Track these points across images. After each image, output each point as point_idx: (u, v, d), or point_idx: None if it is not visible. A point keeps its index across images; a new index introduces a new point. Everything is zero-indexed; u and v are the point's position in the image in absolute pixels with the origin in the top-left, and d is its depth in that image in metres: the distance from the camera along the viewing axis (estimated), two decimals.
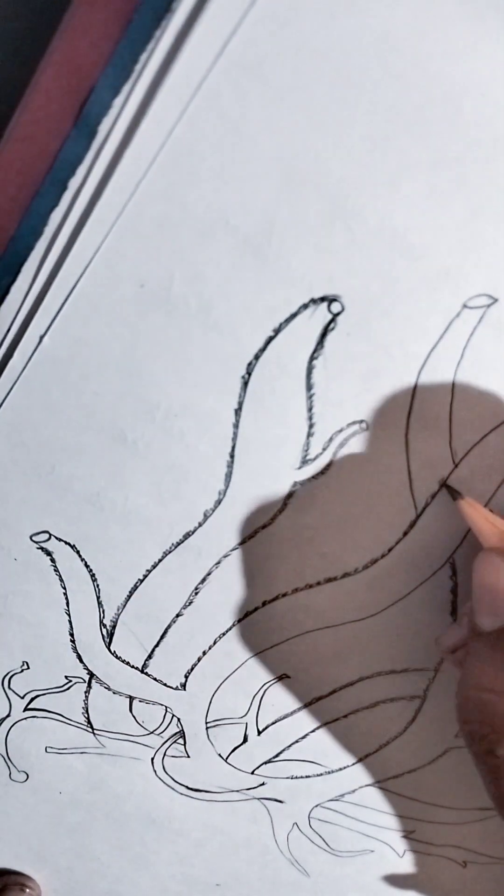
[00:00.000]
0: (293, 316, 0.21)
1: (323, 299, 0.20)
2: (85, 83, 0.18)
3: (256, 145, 0.18)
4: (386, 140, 0.19)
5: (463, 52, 0.18)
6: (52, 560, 0.26)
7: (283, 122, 0.18)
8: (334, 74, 0.18)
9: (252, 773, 0.31)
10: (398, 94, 0.18)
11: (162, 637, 0.27)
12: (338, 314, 0.21)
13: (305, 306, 0.20)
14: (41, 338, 0.21)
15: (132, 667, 0.28)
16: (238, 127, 0.18)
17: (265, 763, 0.31)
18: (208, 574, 0.26)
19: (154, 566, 0.25)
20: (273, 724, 0.30)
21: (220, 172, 0.19)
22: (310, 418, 0.22)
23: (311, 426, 0.23)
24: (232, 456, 0.23)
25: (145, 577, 0.26)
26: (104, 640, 0.27)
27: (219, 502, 0.24)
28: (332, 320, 0.21)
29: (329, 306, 0.20)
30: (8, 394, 0.22)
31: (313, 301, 0.20)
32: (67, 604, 0.26)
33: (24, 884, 0.33)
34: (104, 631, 0.27)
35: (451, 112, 0.19)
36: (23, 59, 0.20)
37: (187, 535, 0.25)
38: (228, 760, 0.30)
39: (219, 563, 0.25)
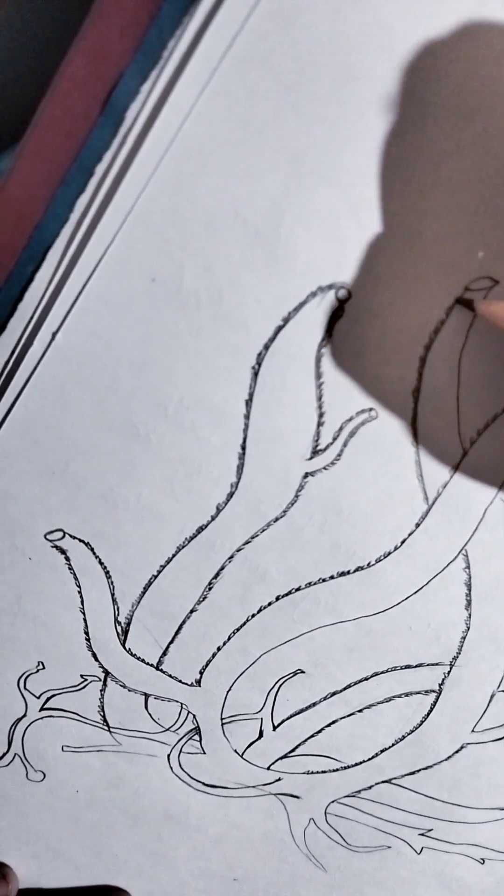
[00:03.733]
0: (301, 304, 0.21)
1: (330, 287, 0.21)
2: (113, 70, 0.18)
3: (264, 138, 0.19)
4: (394, 131, 0.19)
5: (468, 44, 0.18)
6: (67, 558, 0.26)
7: (289, 114, 0.19)
8: (340, 67, 0.18)
9: (268, 768, 0.31)
10: (403, 86, 0.19)
11: (176, 633, 0.27)
12: (345, 301, 0.21)
13: (313, 294, 0.21)
14: (54, 334, 0.21)
15: (147, 664, 0.28)
16: (246, 120, 0.18)
17: (281, 758, 0.31)
18: (222, 569, 0.26)
19: (168, 561, 0.26)
20: (288, 719, 0.30)
21: (229, 165, 0.19)
22: (319, 407, 0.23)
23: (321, 415, 0.23)
24: (243, 447, 0.23)
25: (159, 572, 0.26)
26: (119, 638, 0.27)
27: (231, 495, 0.24)
28: (340, 307, 0.21)
29: (336, 293, 0.21)
30: (21, 391, 0.22)
31: (321, 289, 0.21)
32: (82, 602, 0.27)
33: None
34: (119, 628, 0.27)
35: (457, 103, 0.19)
36: (51, 46, 0.21)
37: (200, 530, 0.25)
38: (244, 756, 0.30)
39: (232, 557, 0.25)
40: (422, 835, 0.33)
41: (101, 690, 0.29)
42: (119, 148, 0.19)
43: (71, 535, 0.25)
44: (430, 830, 0.33)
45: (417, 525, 0.25)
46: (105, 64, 0.18)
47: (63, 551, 0.26)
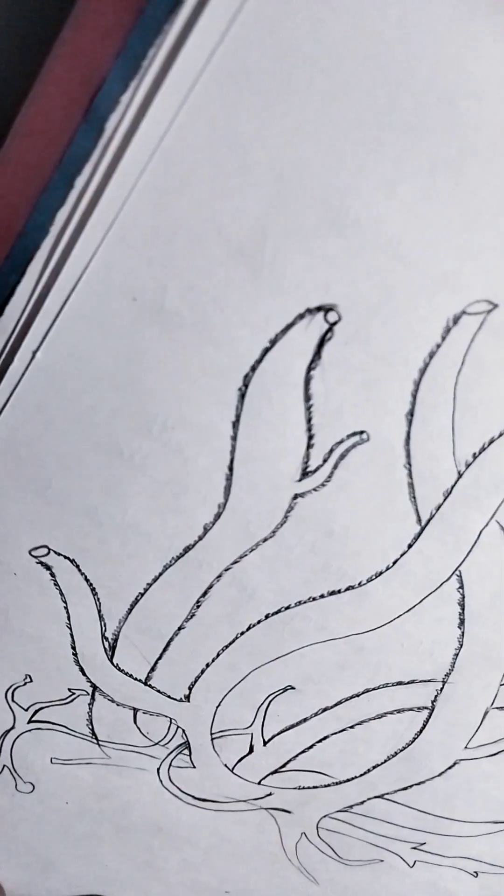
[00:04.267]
0: (289, 326, 0.20)
1: (319, 309, 0.20)
2: (95, 76, 0.17)
3: (248, 153, 0.18)
4: (380, 145, 0.18)
5: (457, 54, 0.17)
6: (52, 574, 0.25)
7: (274, 129, 0.18)
8: (325, 79, 0.17)
9: (259, 783, 0.31)
10: (391, 98, 0.18)
11: (164, 649, 0.27)
12: (334, 324, 0.20)
13: (301, 316, 0.20)
14: (34, 353, 0.21)
15: (135, 679, 0.28)
16: (229, 135, 0.18)
17: (272, 773, 0.30)
18: (210, 587, 0.25)
19: (155, 580, 0.25)
20: (279, 734, 0.29)
21: (212, 181, 0.18)
22: (309, 429, 0.22)
23: (310, 437, 0.22)
24: (231, 469, 0.23)
25: (146, 590, 0.25)
26: (106, 653, 0.27)
27: (218, 515, 0.24)
28: (329, 330, 0.20)
29: (325, 316, 0.20)
30: (2, 409, 0.22)
31: (309, 311, 0.20)
32: (68, 617, 0.26)
33: None
34: (106, 644, 0.27)
35: (447, 115, 0.18)
36: (31, 51, 0.20)
37: (187, 549, 0.24)
38: (235, 771, 0.30)
39: (220, 576, 0.25)
40: (414, 848, 0.33)
41: (89, 704, 0.28)
42: (100, 159, 0.18)
43: (56, 552, 0.25)
44: (422, 844, 0.33)
45: (410, 546, 0.24)
46: (86, 70, 0.17)
47: (48, 567, 0.25)
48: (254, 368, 0.21)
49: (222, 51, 0.17)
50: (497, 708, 0.29)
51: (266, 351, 0.21)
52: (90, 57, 0.17)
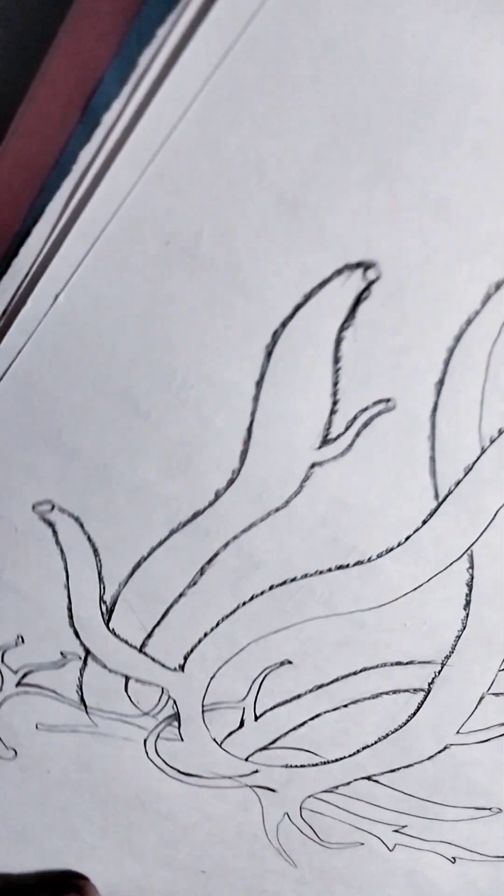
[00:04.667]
0: (325, 282, 0.19)
1: (359, 265, 0.19)
2: (92, 75, 0.17)
3: (301, 94, 0.17)
4: (436, 99, 0.18)
5: None
6: (54, 531, 0.25)
7: (331, 70, 0.17)
8: (388, 24, 0.17)
9: (246, 759, 0.30)
10: (451, 52, 0.17)
11: (163, 616, 0.26)
12: (373, 282, 0.19)
13: (339, 272, 0.19)
14: (56, 296, 0.20)
15: (130, 645, 0.27)
16: (282, 72, 0.17)
17: (260, 750, 0.30)
18: (215, 555, 0.25)
19: (160, 543, 0.24)
20: (271, 709, 0.29)
21: (260, 121, 0.17)
22: (334, 394, 0.21)
23: (334, 402, 0.21)
24: (249, 432, 0.22)
25: (150, 554, 0.25)
26: (103, 617, 0.26)
27: (231, 482, 0.23)
28: (367, 289, 0.20)
29: (365, 273, 0.19)
30: (19, 352, 0.21)
31: (348, 267, 0.19)
32: (67, 578, 0.25)
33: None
34: (104, 607, 0.26)
35: None
36: (29, 53, 0.19)
37: (196, 515, 0.24)
38: (223, 745, 0.30)
39: (227, 544, 0.24)
40: (396, 831, 0.33)
41: (80, 669, 0.28)
42: (130, 96, 0.17)
43: (60, 509, 0.24)
44: (404, 827, 0.33)
45: (424, 522, 0.24)
46: (84, 69, 0.17)
47: (51, 524, 0.24)
48: (284, 325, 0.20)
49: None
50: (493, 693, 0.29)
51: (298, 307, 0.20)
52: (86, 58, 0.16)
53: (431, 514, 0.24)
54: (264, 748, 0.30)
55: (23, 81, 0.18)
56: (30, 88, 0.17)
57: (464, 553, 0.25)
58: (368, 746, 0.30)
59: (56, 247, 0.19)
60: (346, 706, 0.29)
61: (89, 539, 0.25)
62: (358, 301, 0.20)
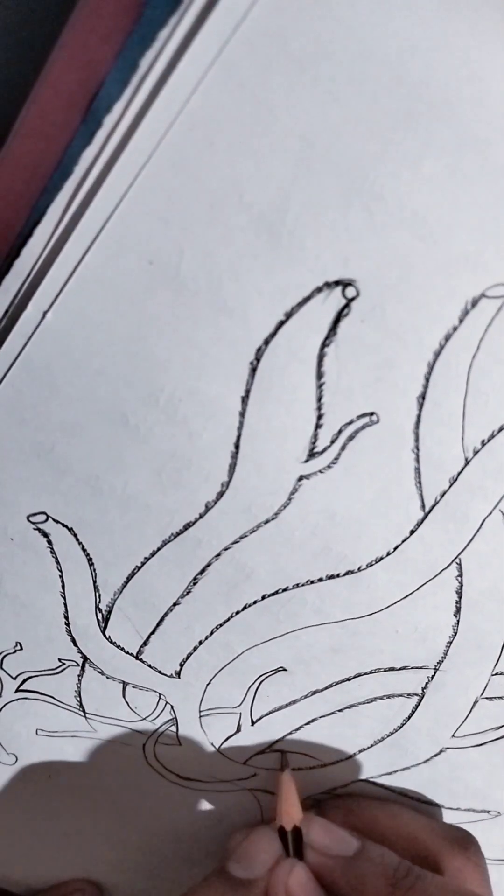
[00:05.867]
0: (306, 300, 0.20)
1: (338, 283, 0.19)
2: (94, 77, 0.17)
3: (275, 117, 0.17)
4: (410, 118, 0.18)
5: (492, 31, 0.17)
6: (49, 542, 0.25)
7: (303, 93, 0.17)
8: (359, 46, 0.17)
9: (244, 763, 0.31)
10: (424, 71, 0.17)
11: (158, 624, 0.27)
12: (352, 299, 0.20)
13: (319, 290, 0.20)
14: (44, 313, 0.20)
15: (127, 652, 0.27)
16: (257, 96, 0.17)
17: (258, 754, 0.30)
18: (208, 565, 0.25)
19: (153, 554, 0.25)
20: (267, 715, 0.29)
21: (237, 144, 0.18)
22: (319, 408, 0.22)
23: (319, 417, 0.22)
24: (237, 446, 0.22)
25: (143, 564, 0.25)
26: (99, 625, 0.27)
27: (221, 494, 0.23)
28: (347, 305, 0.20)
29: (344, 291, 0.20)
30: (9, 370, 0.21)
31: (327, 285, 0.19)
32: (63, 586, 0.26)
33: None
34: (99, 615, 0.26)
35: (479, 92, 0.18)
36: (31, 54, 0.20)
37: (188, 526, 0.24)
38: (221, 750, 0.30)
39: (219, 555, 0.25)
40: None
41: (78, 675, 0.28)
42: (121, 116, 0.17)
43: (54, 520, 0.25)
44: None
45: (412, 532, 0.24)
46: (86, 71, 0.17)
47: (46, 534, 0.25)
48: (267, 342, 0.20)
49: (254, 14, 0.16)
50: (486, 698, 0.29)
51: (281, 324, 0.20)
52: (89, 60, 0.17)
53: (419, 524, 0.24)
54: (262, 752, 0.30)
55: (26, 83, 0.18)
56: (32, 90, 0.18)
57: (452, 561, 0.25)
58: (365, 750, 0.30)
59: (58, 248, 0.19)
60: (341, 711, 0.29)
61: (83, 549, 0.25)
62: (338, 318, 0.20)
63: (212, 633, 0.27)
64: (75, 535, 0.25)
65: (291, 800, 0.28)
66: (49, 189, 0.18)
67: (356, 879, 0.25)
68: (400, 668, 0.28)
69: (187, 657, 0.27)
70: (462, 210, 0.19)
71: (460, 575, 0.25)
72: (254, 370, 0.21)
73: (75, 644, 0.27)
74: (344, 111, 0.18)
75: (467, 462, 0.23)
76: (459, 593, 0.26)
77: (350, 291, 0.19)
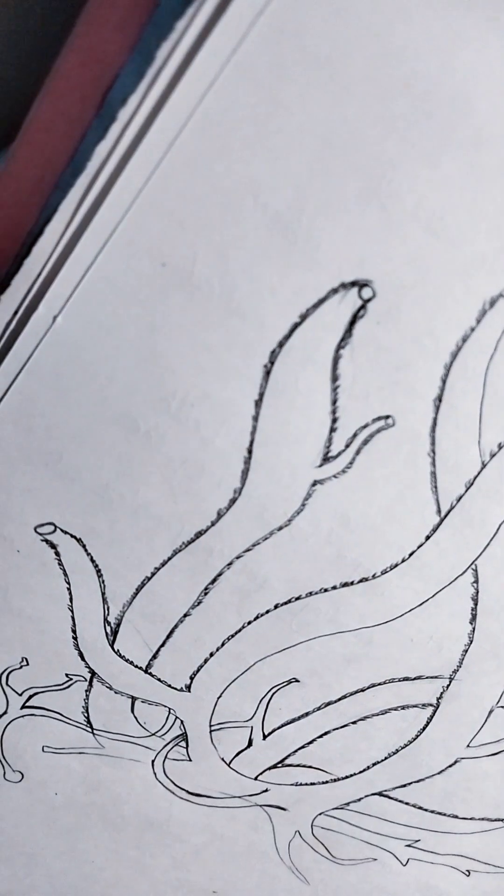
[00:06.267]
0: (321, 301, 0.19)
1: (353, 284, 0.19)
2: (109, 70, 0.17)
3: (291, 116, 0.17)
4: (426, 116, 0.18)
5: None
6: (57, 553, 0.25)
7: (319, 92, 0.17)
8: (375, 45, 0.17)
9: (255, 778, 0.30)
10: (440, 69, 0.17)
11: (168, 637, 0.26)
12: (368, 300, 0.19)
13: (335, 291, 0.19)
14: (55, 317, 0.20)
15: (136, 666, 0.27)
16: (273, 95, 0.17)
17: (269, 769, 0.30)
18: (219, 575, 0.24)
19: (163, 564, 0.24)
20: (279, 728, 0.29)
21: (252, 143, 0.17)
22: (333, 412, 0.21)
23: (334, 420, 0.21)
24: (250, 451, 0.22)
25: (153, 574, 0.25)
26: (107, 638, 0.26)
27: (233, 501, 0.23)
28: (363, 307, 0.20)
29: (360, 292, 0.19)
30: (17, 376, 0.21)
31: (343, 286, 0.19)
32: (71, 599, 0.25)
33: None
34: (108, 629, 0.26)
35: (495, 90, 0.17)
36: (45, 45, 0.19)
37: (199, 534, 0.24)
38: (231, 765, 0.29)
39: (231, 563, 0.24)
40: (408, 846, 0.33)
41: (86, 691, 0.28)
42: (122, 132, 0.17)
43: (62, 531, 0.24)
44: (417, 841, 0.32)
45: (427, 538, 0.24)
46: (100, 64, 0.16)
47: (53, 546, 0.24)
48: (281, 344, 0.20)
49: (270, 11, 0.16)
50: (501, 707, 0.29)
51: (295, 326, 0.20)
52: (103, 52, 0.16)
53: (434, 530, 0.24)
54: (273, 767, 0.30)
55: (39, 75, 0.18)
56: (45, 82, 0.17)
57: (468, 567, 0.25)
58: (378, 762, 0.30)
59: (69, 248, 0.19)
60: (354, 723, 0.29)
61: (92, 560, 0.25)
62: (354, 319, 0.20)
63: (223, 644, 0.26)
64: (84, 546, 0.24)
65: None
66: (61, 185, 0.18)
67: None
68: (415, 678, 0.27)
69: (198, 670, 0.27)
70: (479, 209, 0.18)
71: (476, 581, 0.25)
72: (268, 373, 0.21)
73: (83, 658, 0.27)
74: (360, 110, 0.17)
75: (484, 465, 0.22)
76: (475, 600, 0.25)
77: (366, 292, 0.19)
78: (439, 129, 0.18)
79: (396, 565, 0.24)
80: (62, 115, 0.17)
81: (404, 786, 0.31)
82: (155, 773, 0.30)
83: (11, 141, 0.18)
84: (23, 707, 0.28)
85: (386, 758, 0.30)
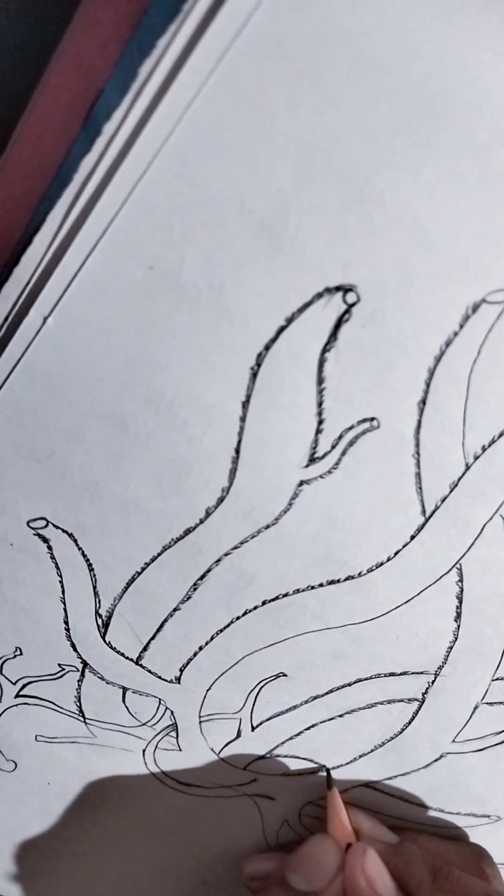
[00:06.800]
0: (306, 305, 0.20)
1: (338, 288, 0.19)
2: (94, 85, 0.17)
3: (275, 124, 0.17)
4: (409, 123, 0.18)
5: (493, 36, 0.17)
6: (49, 547, 0.25)
7: (303, 100, 0.17)
8: (357, 53, 0.17)
9: (244, 768, 0.30)
10: (423, 77, 0.17)
11: (158, 630, 0.26)
12: (353, 305, 0.20)
13: (320, 295, 0.20)
14: (45, 319, 0.20)
15: (127, 658, 0.27)
16: (257, 103, 0.17)
17: (258, 759, 0.30)
18: (208, 571, 0.25)
19: (153, 559, 0.25)
20: (268, 720, 0.29)
21: (237, 150, 0.18)
22: (319, 414, 0.22)
23: (320, 422, 0.22)
24: (237, 451, 0.22)
25: (143, 569, 0.25)
26: (99, 630, 0.27)
27: (221, 500, 0.23)
28: (347, 311, 0.20)
29: (344, 296, 0.20)
30: (9, 375, 0.21)
31: (328, 290, 0.19)
32: (63, 592, 0.26)
33: None
34: (99, 621, 0.26)
35: (478, 98, 0.18)
36: (30, 61, 0.20)
37: (188, 532, 0.24)
38: (221, 755, 0.30)
39: (219, 560, 0.25)
40: None
41: (78, 681, 0.28)
42: (108, 144, 0.17)
43: (54, 525, 0.25)
44: None
45: (413, 537, 0.24)
46: (86, 79, 0.17)
47: (45, 540, 0.25)
48: (267, 347, 0.20)
49: (253, 22, 0.16)
50: (487, 703, 0.29)
51: (281, 329, 0.20)
52: (89, 67, 0.17)
53: (419, 530, 0.24)
54: (262, 757, 0.30)
55: (26, 90, 0.18)
56: (32, 96, 0.18)
57: (452, 566, 0.25)
58: (365, 755, 0.30)
59: (59, 255, 0.19)
60: (341, 716, 0.29)
61: (83, 554, 0.25)
62: (339, 323, 0.20)
63: (212, 638, 0.27)
64: (75, 541, 0.25)
65: (342, 816, 0.29)
66: (49, 196, 0.18)
67: (403, 863, 0.28)
68: (400, 674, 0.28)
69: (187, 663, 0.27)
70: (463, 215, 0.19)
71: (461, 580, 0.25)
72: (254, 375, 0.21)
73: (75, 649, 0.27)
74: (344, 117, 0.18)
75: (468, 467, 0.23)
76: (460, 598, 0.26)
77: (351, 297, 0.19)
78: (422, 136, 0.18)
79: (382, 564, 0.25)
80: (49, 129, 0.17)
81: (391, 778, 0.31)
82: (146, 763, 0.30)
83: (0, 154, 0.18)
84: (17, 696, 0.29)
85: (372, 750, 0.30)
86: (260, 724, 0.29)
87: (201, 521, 0.24)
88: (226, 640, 0.27)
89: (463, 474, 0.23)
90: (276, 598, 0.25)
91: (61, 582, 0.26)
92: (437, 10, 0.17)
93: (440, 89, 0.17)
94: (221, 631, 0.26)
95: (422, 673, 0.28)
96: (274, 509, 0.23)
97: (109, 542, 0.25)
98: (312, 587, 0.25)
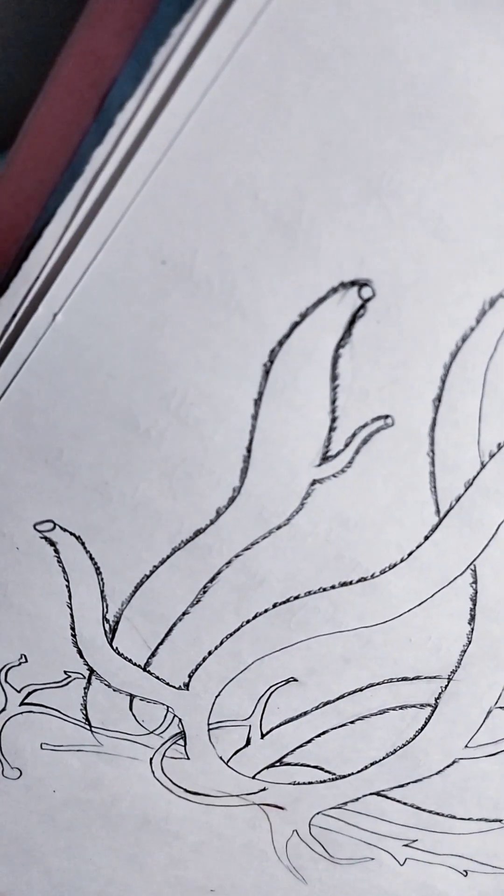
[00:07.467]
0: (321, 300, 0.19)
1: (353, 283, 0.19)
2: (106, 75, 0.17)
3: (291, 115, 0.17)
4: (427, 115, 0.18)
5: None
6: (56, 550, 0.25)
7: (319, 90, 0.17)
8: (375, 44, 0.17)
9: (253, 777, 0.30)
10: (441, 68, 0.17)
11: (167, 635, 0.26)
12: (368, 300, 0.19)
13: (334, 290, 0.19)
14: (55, 315, 0.20)
15: (134, 664, 0.27)
16: (273, 94, 0.17)
17: (267, 768, 0.30)
18: (218, 573, 0.24)
19: (162, 562, 0.24)
20: (277, 727, 0.29)
21: (252, 143, 0.17)
22: (333, 411, 0.21)
23: (333, 420, 0.21)
24: (249, 450, 0.22)
25: (152, 572, 0.25)
26: (106, 636, 0.26)
27: (232, 500, 0.23)
28: (362, 306, 0.20)
29: (359, 291, 0.19)
30: (17, 373, 0.21)
31: (343, 285, 0.19)
32: (70, 596, 0.25)
33: None
34: (106, 626, 0.26)
35: (496, 89, 0.17)
36: (43, 52, 0.20)
37: (198, 533, 0.24)
38: (229, 764, 0.29)
39: (230, 562, 0.24)
40: (406, 845, 0.32)
41: (84, 688, 0.28)
42: (122, 134, 0.17)
43: (62, 528, 0.24)
44: (414, 841, 0.32)
45: (426, 538, 0.24)
46: (98, 69, 0.16)
47: (52, 543, 0.25)
48: (281, 343, 0.20)
49: (270, 12, 0.16)
50: (500, 707, 0.29)
51: (295, 325, 0.20)
52: (101, 57, 0.16)
53: (433, 530, 0.24)
54: (272, 766, 0.30)
55: (37, 80, 0.18)
56: (44, 87, 0.17)
57: (467, 568, 0.25)
58: (376, 762, 0.30)
59: (69, 250, 0.19)
60: (352, 722, 0.29)
61: (91, 558, 0.25)
62: (354, 319, 0.20)
63: (221, 642, 0.26)
64: (83, 544, 0.24)
65: None
66: (59, 189, 0.18)
67: None
68: (413, 678, 0.27)
69: (196, 668, 0.27)
70: (480, 208, 0.18)
71: (475, 582, 0.25)
72: (267, 372, 0.21)
73: (81, 656, 0.27)
74: (360, 109, 0.17)
75: (483, 466, 0.22)
76: (474, 601, 0.25)
77: (366, 292, 0.19)
78: (440, 127, 0.18)
79: (395, 565, 0.24)
80: (60, 120, 0.17)
81: (402, 786, 0.31)
82: (153, 771, 0.30)
83: (10, 145, 0.18)
84: (21, 704, 0.28)
85: (384, 758, 0.30)
86: (270, 731, 0.29)
87: (212, 522, 0.23)
88: (235, 644, 0.26)
89: (478, 473, 0.22)
90: (288, 600, 0.25)
91: (68, 586, 0.25)
92: (457, 1, 0.16)
93: (458, 81, 0.17)
94: (231, 635, 0.26)
95: (435, 677, 0.27)
96: (286, 509, 0.23)
97: (118, 544, 0.24)
98: (324, 589, 0.25)
